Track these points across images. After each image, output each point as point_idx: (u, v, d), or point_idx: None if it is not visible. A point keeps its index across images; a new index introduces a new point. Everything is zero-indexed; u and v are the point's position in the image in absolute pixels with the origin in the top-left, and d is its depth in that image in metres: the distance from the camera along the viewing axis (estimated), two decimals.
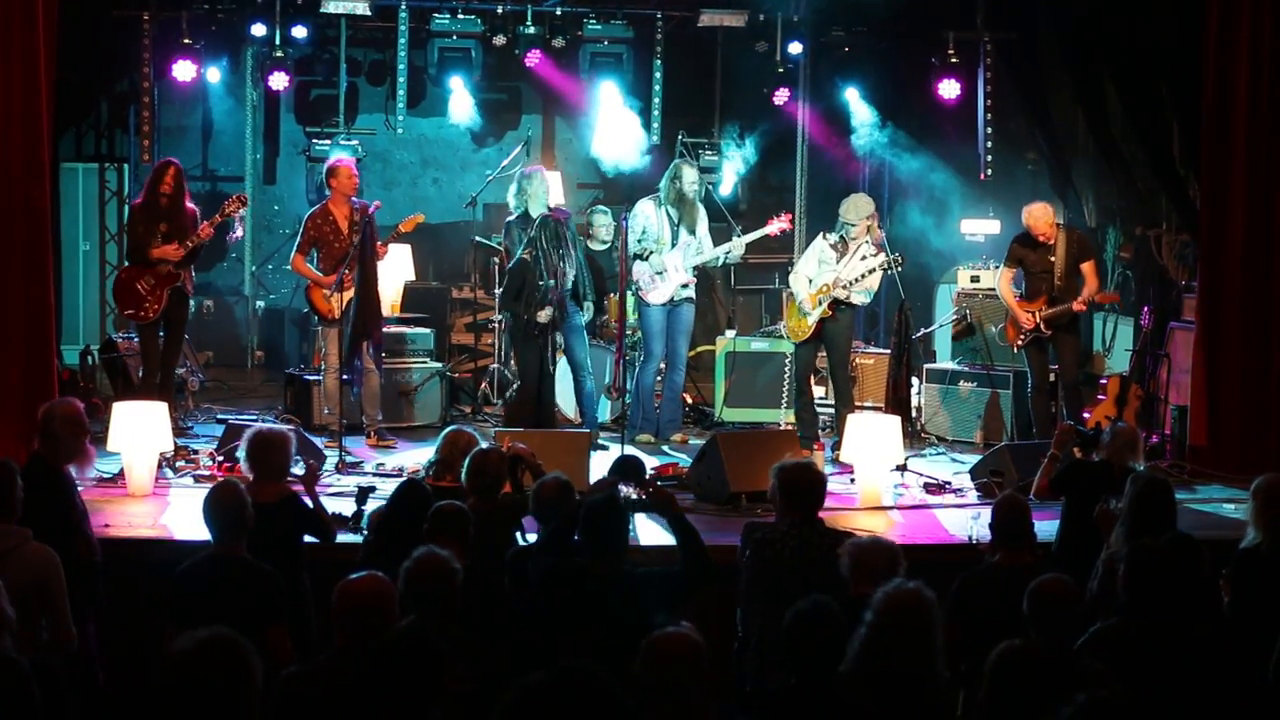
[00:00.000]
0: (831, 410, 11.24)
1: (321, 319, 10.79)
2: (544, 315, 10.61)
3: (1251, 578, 6.13)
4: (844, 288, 10.76)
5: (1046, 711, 4.12)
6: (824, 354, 11.13)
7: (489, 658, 5.30)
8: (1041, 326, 10.67)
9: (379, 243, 10.82)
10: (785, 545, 6.22)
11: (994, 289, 12.25)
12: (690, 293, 11.32)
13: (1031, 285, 10.83)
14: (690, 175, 11.24)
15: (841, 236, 10.90)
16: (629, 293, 11.16)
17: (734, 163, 14.09)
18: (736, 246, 11.50)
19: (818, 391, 11.55)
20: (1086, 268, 10.68)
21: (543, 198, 10.79)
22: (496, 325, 12.56)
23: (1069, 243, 10.70)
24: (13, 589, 5.07)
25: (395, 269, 12.52)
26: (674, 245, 11.19)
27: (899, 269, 10.72)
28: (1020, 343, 10.85)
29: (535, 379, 10.69)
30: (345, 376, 10.45)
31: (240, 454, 7.02)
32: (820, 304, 10.82)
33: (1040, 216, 10.72)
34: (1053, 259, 10.66)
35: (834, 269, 10.82)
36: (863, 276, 10.75)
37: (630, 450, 9.62)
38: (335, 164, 11.04)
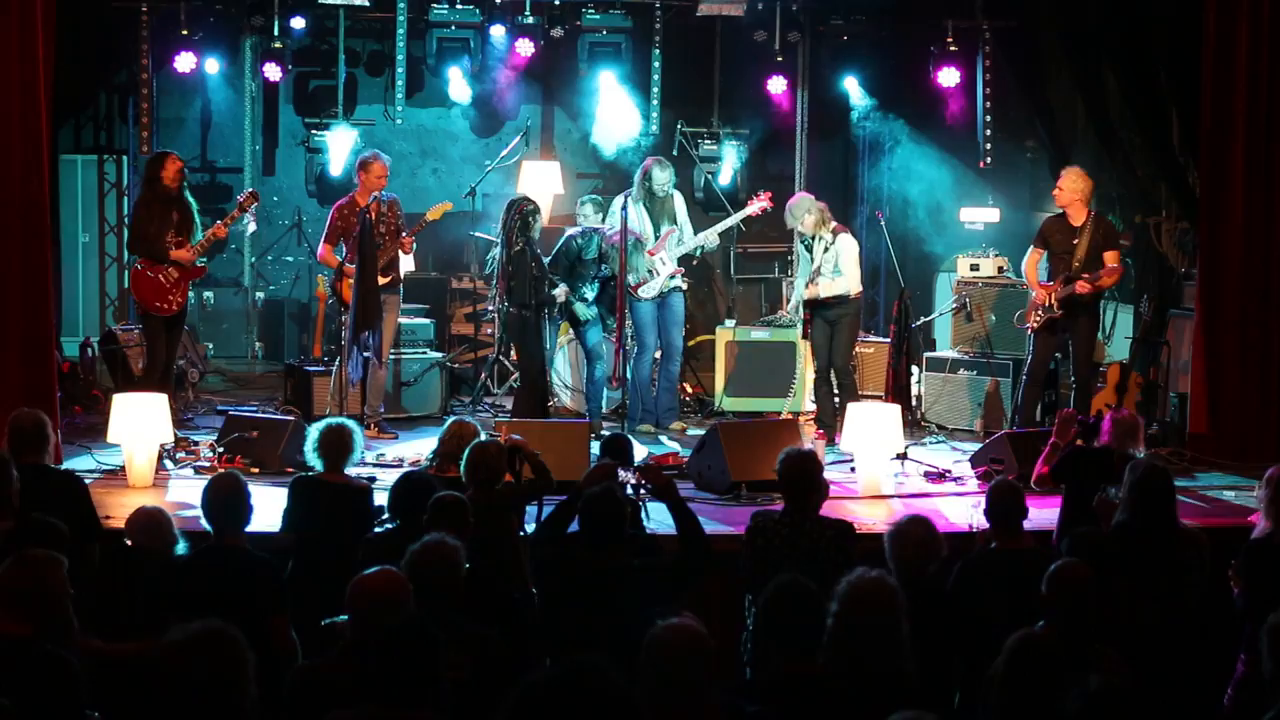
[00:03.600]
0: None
1: (348, 310, 10.70)
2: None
3: (1263, 569, 6.10)
4: (811, 285, 10.91)
5: (1060, 697, 4.13)
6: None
7: (486, 647, 5.31)
8: (1054, 306, 10.49)
9: (404, 236, 10.84)
10: (777, 533, 6.27)
11: (993, 277, 12.32)
12: (679, 282, 11.37)
13: (1053, 267, 10.65)
14: (661, 177, 11.26)
15: (806, 244, 11.10)
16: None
17: (733, 152, 14.09)
18: (711, 234, 11.55)
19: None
20: (1109, 256, 10.46)
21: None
22: (496, 315, 12.57)
23: (1095, 229, 10.49)
24: None
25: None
26: (656, 238, 11.23)
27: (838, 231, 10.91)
28: (1035, 323, 10.67)
29: (540, 371, 10.71)
30: (351, 370, 10.42)
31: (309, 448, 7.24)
32: (798, 310, 11.13)
33: (1065, 176, 10.59)
34: (1076, 241, 10.50)
35: (811, 267, 10.99)
36: (823, 264, 10.88)
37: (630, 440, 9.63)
38: (368, 158, 11.00)
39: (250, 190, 11.32)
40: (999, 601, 5.80)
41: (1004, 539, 6.35)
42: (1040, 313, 10.59)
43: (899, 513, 5.86)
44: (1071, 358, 10.76)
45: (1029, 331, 10.82)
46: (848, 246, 10.96)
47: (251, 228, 13.19)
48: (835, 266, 10.88)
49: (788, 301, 11.72)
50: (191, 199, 10.80)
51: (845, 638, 4.68)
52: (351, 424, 7.35)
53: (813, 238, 10.98)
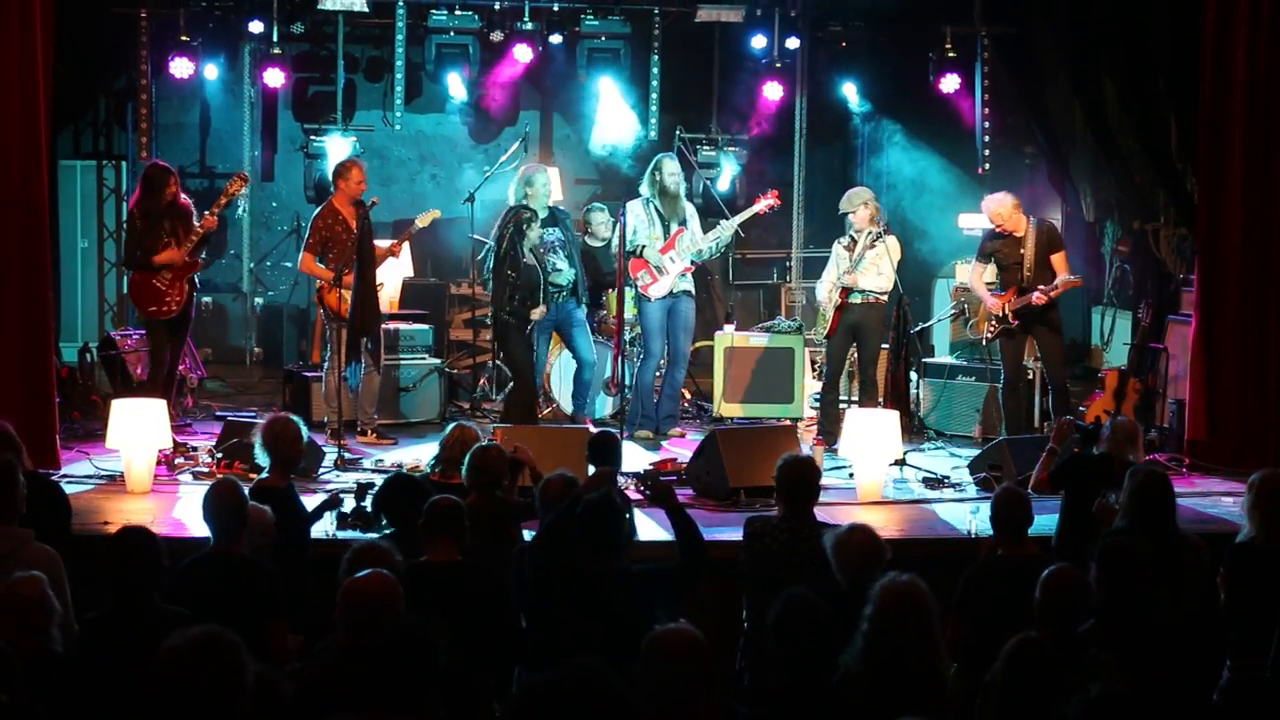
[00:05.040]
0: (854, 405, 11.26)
1: (335, 318, 10.56)
2: (537, 313, 10.69)
3: (1246, 571, 6.13)
4: (849, 274, 10.88)
5: (1058, 704, 4.13)
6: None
7: (482, 650, 5.31)
8: (1009, 317, 10.62)
9: (394, 242, 10.83)
10: (775, 539, 6.26)
11: (991, 283, 12.30)
12: (689, 284, 11.34)
13: (1004, 278, 10.84)
14: (670, 167, 11.27)
15: (851, 236, 11.04)
16: (628, 288, 11.15)
17: (731, 158, 14.10)
18: (726, 230, 11.47)
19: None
20: (1056, 259, 10.61)
21: (543, 197, 10.83)
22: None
23: (1038, 235, 10.63)
24: None
25: (394, 266, 12.51)
26: (666, 239, 11.22)
27: (886, 232, 10.96)
28: (989, 334, 10.83)
29: (525, 373, 10.73)
30: (345, 374, 10.40)
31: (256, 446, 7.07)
32: (832, 297, 11.01)
33: (990, 206, 10.77)
34: (1023, 251, 10.63)
35: (849, 265, 10.96)
36: (864, 258, 10.87)
37: (628, 445, 9.63)
38: (347, 164, 10.95)
39: (238, 174, 11.07)
40: (1002, 607, 5.80)
41: (1009, 545, 6.36)
42: (994, 322, 10.77)
43: (842, 524, 5.85)
44: (1045, 369, 10.90)
45: (984, 341, 11.01)
46: (893, 246, 11.02)
47: (241, 209, 13.19)
48: (877, 264, 10.90)
49: (788, 306, 11.67)
50: (187, 200, 10.74)
51: (880, 639, 4.67)
52: (295, 419, 7.18)
53: (859, 231, 10.99)
